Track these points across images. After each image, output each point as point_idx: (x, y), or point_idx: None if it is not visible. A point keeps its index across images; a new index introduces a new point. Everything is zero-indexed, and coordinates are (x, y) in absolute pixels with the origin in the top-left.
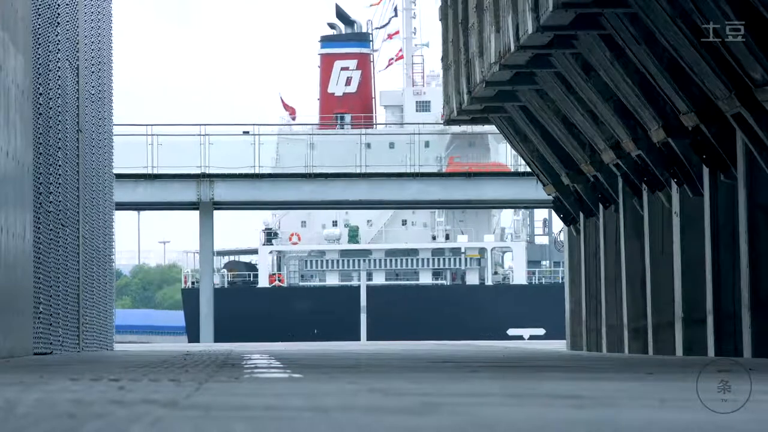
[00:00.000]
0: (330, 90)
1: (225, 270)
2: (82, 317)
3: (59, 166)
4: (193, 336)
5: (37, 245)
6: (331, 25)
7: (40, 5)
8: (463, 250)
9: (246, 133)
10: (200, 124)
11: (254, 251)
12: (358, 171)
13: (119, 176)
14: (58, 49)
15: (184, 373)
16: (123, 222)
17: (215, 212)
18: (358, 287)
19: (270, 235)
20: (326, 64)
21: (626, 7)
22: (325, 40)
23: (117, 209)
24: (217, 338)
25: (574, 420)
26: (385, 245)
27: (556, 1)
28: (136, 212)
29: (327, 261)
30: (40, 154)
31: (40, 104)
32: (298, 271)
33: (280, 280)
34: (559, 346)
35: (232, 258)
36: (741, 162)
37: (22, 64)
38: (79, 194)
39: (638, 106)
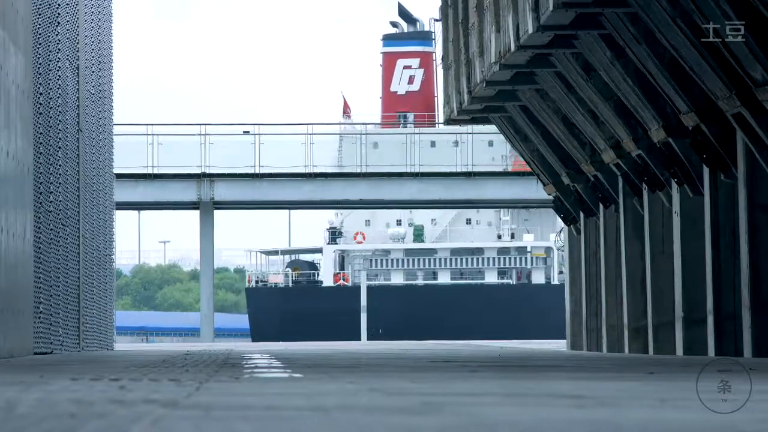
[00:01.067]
0: (392, 89)
1: (289, 269)
2: (82, 317)
3: (59, 166)
4: (257, 334)
5: (37, 245)
6: (394, 24)
7: (40, 5)
8: (529, 249)
9: (246, 132)
10: (200, 124)
11: (318, 250)
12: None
13: (119, 176)
14: (59, 49)
15: (185, 372)
16: (123, 222)
17: (216, 212)
18: (423, 286)
19: (334, 234)
20: (389, 62)
21: (626, 6)
22: (388, 39)
23: (117, 209)
24: (282, 338)
25: (574, 420)
26: (450, 244)
27: (556, 0)
28: (136, 212)
29: (392, 260)
30: (41, 154)
31: (40, 104)
32: (363, 270)
33: (344, 280)
34: (559, 346)
35: (295, 257)
36: (741, 162)
37: (23, 64)
38: (79, 194)
39: (638, 105)
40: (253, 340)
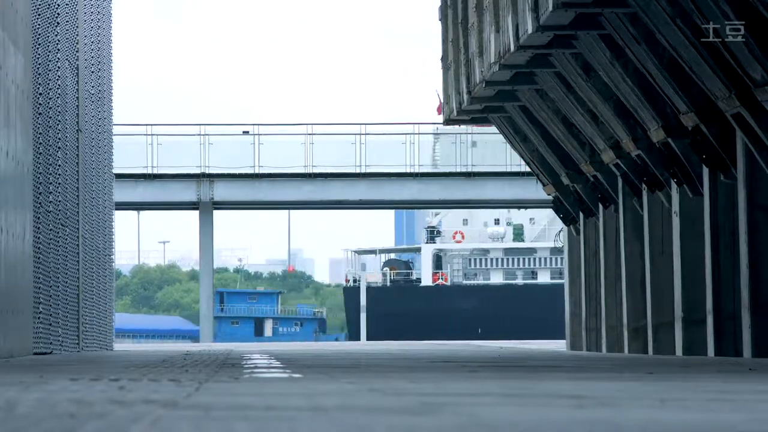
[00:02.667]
0: None
1: (387, 268)
2: (82, 317)
3: (59, 166)
4: (354, 334)
5: (37, 245)
6: None
7: (40, 5)
8: None
9: (246, 132)
10: (200, 124)
11: (417, 249)
12: (357, 171)
13: (119, 176)
14: (58, 49)
15: (184, 373)
16: (123, 222)
17: (216, 212)
18: (523, 286)
19: (433, 234)
20: None
21: (626, 7)
22: None
23: (117, 209)
24: (378, 337)
25: (574, 420)
26: (549, 244)
27: (555, 0)
28: (136, 212)
29: (490, 259)
30: (40, 154)
31: (40, 104)
32: (462, 269)
33: (443, 279)
34: (559, 346)
35: (392, 256)
36: (741, 162)
37: (22, 64)
38: (78, 194)
39: (638, 106)
40: (350, 339)
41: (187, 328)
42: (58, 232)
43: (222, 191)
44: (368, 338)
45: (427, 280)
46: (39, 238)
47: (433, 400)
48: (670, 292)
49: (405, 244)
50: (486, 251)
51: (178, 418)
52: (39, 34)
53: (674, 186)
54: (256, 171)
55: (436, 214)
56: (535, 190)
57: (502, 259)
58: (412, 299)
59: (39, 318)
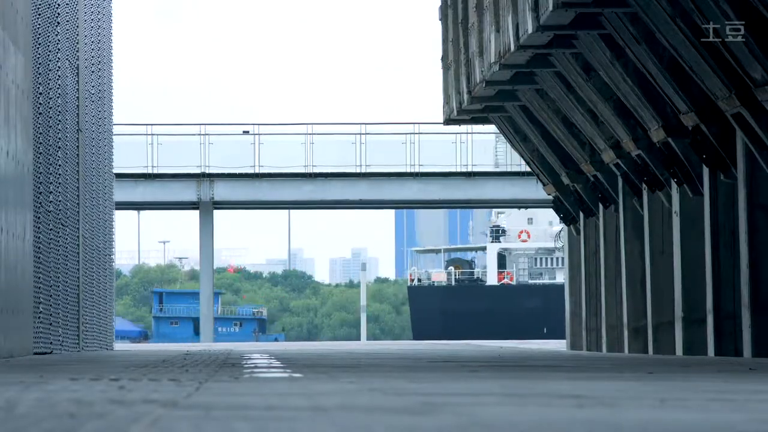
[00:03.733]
0: None
1: (452, 267)
2: (82, 317)
3: (59, 166)
4: (419, 333)
5: (37, 245)
6: None
7: (40, 5)
8: None
9: (246, 132)
10: (200, 124)
11: (482, 248)
12: (357, 170)
13: (119, 176)
14: (58, 49)
15: (184, 372)
16: (123, 222)
17: (216, 212)
18: None
19: (497, 233)
20: None
21: (626, 6)
22: None
23: (117, 209)
24: (443, 336)
25: (574, 420)
26: None
27: (556, 0)
28: (136, 212)
29: (556, 259)
30: (40, 154)
31: (40, 104)
32: (527, 268)
33: (509, 278)
34: (559, 346)
35: (456, 255)
36: (741, 162)
37: (23, 64)
38: (79, 194)
39: (638, 105)
40: (414, 338)
41: (128, 329)
42: (58, 232)
43: (222, 191)
44: (436, 338)
45: (492, 280)
46: (39, 238)
47: (433, 400)
48: (670, 291)
49: (460, 243)
50: (551, 250)
51: (178, 418)
52: (39, 34)
53: (674, 186)
54: (256, 171)
55: (500, 214)
56: (535, 190)
57: None
58: (478, 298)
59: (39, 318)
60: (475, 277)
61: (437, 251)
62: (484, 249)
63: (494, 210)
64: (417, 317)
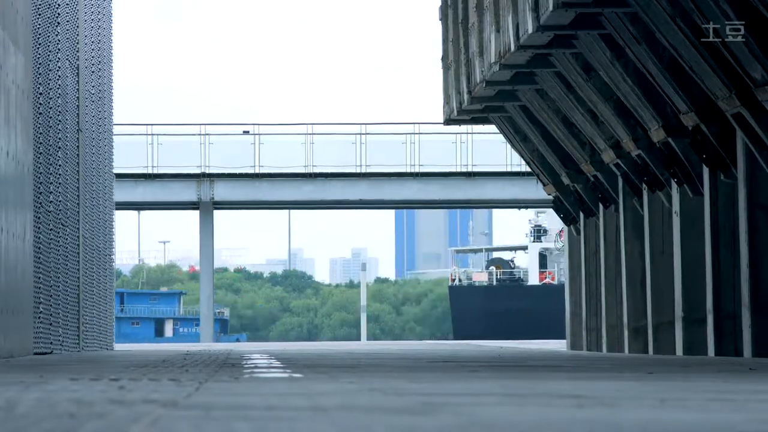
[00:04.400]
0: None
1: (493, 267)
2: (81, 317)
3: (59, 166)
4: (460, 333)
5: (37, 245)
6: None
7: (40, 5)
8: None
9: (246, 132)
10: (200, 124)
11: (524, 248)
12: (357, 170)
13: (119, 176)
14: (59, 49)
15: (184, 372)
16: (123, 222)
17: (216, 212)
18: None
19: (539, 233)
20: None
21: (626, 6)
22: None
23: (117, 209)
24: (485, 336)
25: (574, 420)
26: None
27: (556, 0)
28: (136, 212)
29: None
30: (40, 154)
31: (40, 104)
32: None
33: (551, 278)
34: (559, 346)
35: (497, 255)
36: (741, 162)
37: (23, 64)
38: (79, 194)
39: (638, 105)
40: (456, 338)
41: None
42: (58, 232)
43: (222, 191)
44: (477, 338)
45: (533, 279)
46: (39, 238)
47: (433, 400)
48: (670, 291)
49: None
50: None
51: (178, 418)
52: (39, 34)
53: (674, 186)
54: (257, 171)
55: (541, 213)
56: (535, 190)
57: None
58: (520, 298)
59: (39, 318)
60: (517, 276)
61: (478, 251)
62: (525, 248)
63: (535, 209)
64: (458, 317)
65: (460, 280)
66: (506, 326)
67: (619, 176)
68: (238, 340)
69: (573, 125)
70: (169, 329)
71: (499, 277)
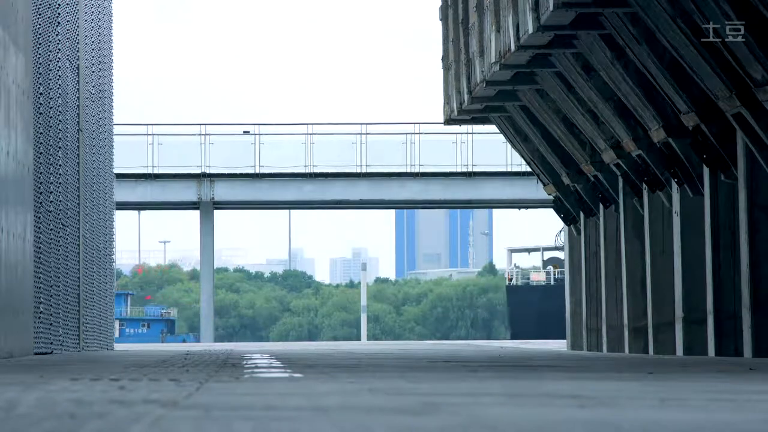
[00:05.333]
0: None
1: (550, 267)
2: (82, 317)
3: (59, 165)
4: (517, 332)
5: (38, 245)
6: None
7: (40, 5)
8: None
9: (246, 132)
10: (200, 124)
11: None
12: (357, 170)
13: (119, 176)
14: (59, 49)
15: (185, 372)
16: (123, 222)
17: (216, 212)
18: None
19: None
20: None
21: (626, 6)
22: None
23: (117, 209)
24: (541, 336)
25: (574, 420)
26: None
27: (556, 0)
28: (136, 212)
29: None
30: (41, 153)
31: (40, 104)
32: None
33: None
34: (560, 346)
35: (553, 254)
36: (741, 162)
37: (23, 64)
38: (79, 194)
39: (638, 105)
40: (512, 338)
41: None
42: (58, 232)
43: (222, 191)
44: (533, 337)
45: None
46: (39, 238)
47: (433, 400)
48: (670, 291)
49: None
50: None
51: (178, 418)
52: (40, 34)
53: (675, 186)
54: (257, 171)
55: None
56: (535, 190)
57: None
58: None
59: (39, 318)
60: None
61: (535, 250)
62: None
63: None
64: (515, 317)
65: (515, 279)
66: (562, 326)
67: (620, 176)
68: (184, 341)
69: (573, 125)
70: (115, 330)
71: (556, 276)
